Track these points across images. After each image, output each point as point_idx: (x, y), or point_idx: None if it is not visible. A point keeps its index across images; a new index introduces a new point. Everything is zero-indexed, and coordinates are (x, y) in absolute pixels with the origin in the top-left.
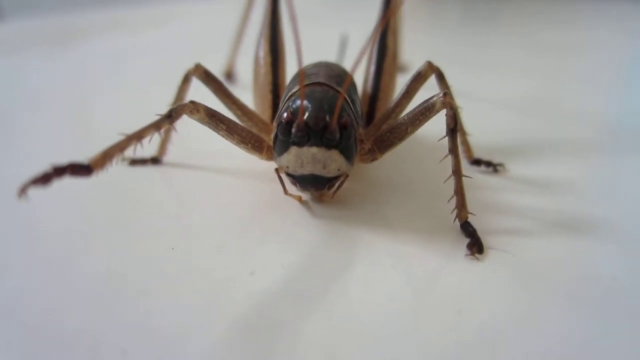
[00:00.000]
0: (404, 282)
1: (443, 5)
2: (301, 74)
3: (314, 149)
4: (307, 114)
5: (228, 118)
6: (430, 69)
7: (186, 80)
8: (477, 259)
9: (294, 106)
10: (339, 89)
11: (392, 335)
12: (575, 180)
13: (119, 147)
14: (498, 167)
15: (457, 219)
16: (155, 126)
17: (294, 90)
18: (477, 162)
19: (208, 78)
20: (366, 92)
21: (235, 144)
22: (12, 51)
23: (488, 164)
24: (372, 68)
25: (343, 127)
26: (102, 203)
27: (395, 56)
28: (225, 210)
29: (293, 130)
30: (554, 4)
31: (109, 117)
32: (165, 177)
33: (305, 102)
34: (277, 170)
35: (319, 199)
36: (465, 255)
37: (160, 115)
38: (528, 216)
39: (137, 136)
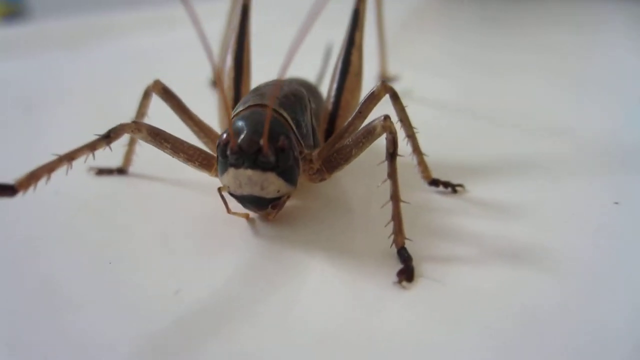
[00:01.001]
0: (323, 306)
1: (459, 6)
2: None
3: (249, 172)
4: (241, 137)
5: (174, 137)
6: (384, 89)
7: (146, 95)
8: (404, 287)
9: (232, 128)
10: (282, 111)
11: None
12: (534, 205)
13: (47, 168)
14: (457, 188)
15: (393, 245)
16: (91, 147)
17: (238, 110)
18: (435, 182)
19: (166, 94)
20: (327, 109)
21: (183, 162)
22: (42, 48)
23: (446, 184)
24: (334, 85)
25: (280, 150)
26: (55, 213)
27: (359, 73)
28: (171, 224)
29: (228, 152)
30: (574, 6)
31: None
32: (125, 187)
33: (241, 124)
34: (219, 189)
35: (264, 218)
36: (393, 282)
37: (97, 135)
38: (473, 243)
39: (69, 157)
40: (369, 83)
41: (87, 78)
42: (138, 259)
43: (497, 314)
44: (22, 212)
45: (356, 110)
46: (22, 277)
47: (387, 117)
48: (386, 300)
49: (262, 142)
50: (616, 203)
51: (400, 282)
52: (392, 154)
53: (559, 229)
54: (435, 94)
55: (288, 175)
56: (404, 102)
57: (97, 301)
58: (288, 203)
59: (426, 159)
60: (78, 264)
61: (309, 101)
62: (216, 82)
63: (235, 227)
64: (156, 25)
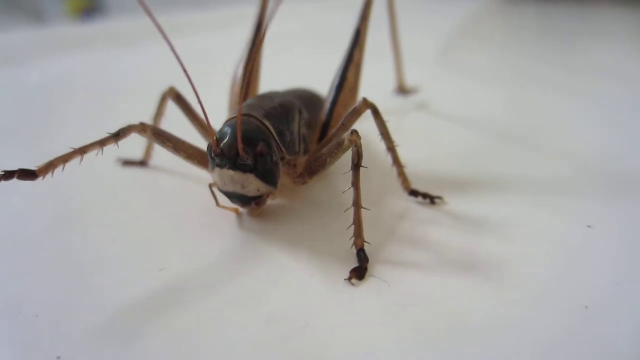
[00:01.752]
0: (273, 297)
1: (519, 14)
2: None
3: (231, 172)
4: (223, 142)
5: (175, 137)
6: (365, 106)
7: (163, 100)
8: (352, 284)
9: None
10: (265, 121)
11: (243, 345)
12: (506, 221)
13: (63, 159)
14: (436, 200)
15: (353, 246)
16: (100, 143)
17: (228, 118)
18: (414, 193)
19: (178, 100)
20: (321, 119)
21: (184, 159)
22: (118, 43)
23: (425, 195)
24: (330, 98)
25: (259, 155)
26: (81, 194)
27: (353, 89)
28: (171, 213)
29: (212, 154)
30: None
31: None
32: (143, 177)
33: (225, 130)
34: (210, 185)
35: (251, 213)
36: (344, 279)
37: (109, 133)
38: (432, 251)
39: (81, 150)
40: (386, 94)
41: (152, 74)
42: (137, 240)
43: (430, 317)
44: (54, 191)
45: (340, 123)
46: (46, 246)
47: (354, 132)
48: (334, 294)
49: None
50: (589, 226)
51: (350, 279)
52: (356, 164)
53: (522, 245)
54: (461, 104)
55: (267, 177)
56: (422, 112)
57: (95, 270)
58: (275, 202)
59: (414, 169)
60: (89, 239)
61: (300, 112)
62: (231, 89)
63: (225, 219)
64: (223, 25)
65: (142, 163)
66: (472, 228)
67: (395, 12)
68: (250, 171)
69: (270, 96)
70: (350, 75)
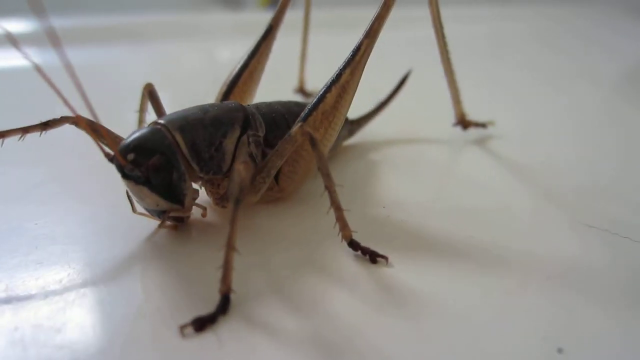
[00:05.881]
0: None
1: None
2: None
3: (125, 181)
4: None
5: (112, 133)
6: (301, 134)
7: (144, 95)
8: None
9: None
10: (175, 133)
11: None
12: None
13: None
14: (379, 259)
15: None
16: (23, 130)
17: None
18: (353, 245)
19: (150, 96)
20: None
21: None
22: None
23: (365, 251)
24: (299, 117)
25: (152, 167)
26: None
27: (327, 112)
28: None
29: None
30: None
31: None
32: None
33: (128, 137)
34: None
35: (161, 225)
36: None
37: (40, 122)
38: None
39: (1, 134)
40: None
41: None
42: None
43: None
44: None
45: (275, 148)
46: None
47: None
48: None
49: (127, 157)
50: (548, 278)
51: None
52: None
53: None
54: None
55: (164, 192)
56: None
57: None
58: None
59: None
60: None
61: (245, 129)
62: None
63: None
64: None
65: None
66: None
67: (444, 35)
68: (143, 184)
69: (205, 109)
70: (329, 96)
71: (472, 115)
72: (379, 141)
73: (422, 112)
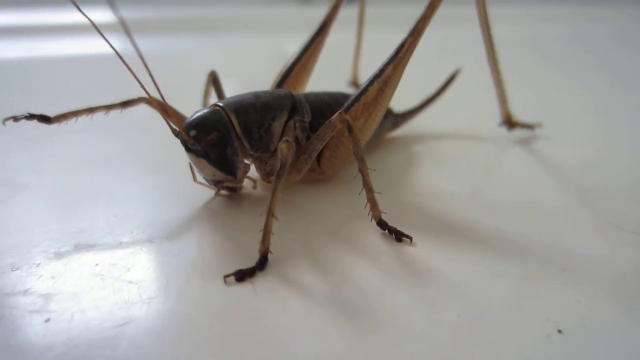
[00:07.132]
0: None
1: None
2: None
3: (188, 154)
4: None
5: (178, 112)
6: (340, 120)
7: (209, 81)
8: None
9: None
10: (231, 114)
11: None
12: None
13: (73, 114)
14: (404, 239)
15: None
16: (107, 107)
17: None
18: (381, 224)
19: (214, 82)
20: None
21: None
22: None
23: (391, 230)
24: (343, 107)
25: (210, 143)
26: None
27: (369, 103)
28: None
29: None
30: None
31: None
32: None
33: (191, 116)
34: (189, 163)
35: (217, 194)
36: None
37: (120, 101)
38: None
39: (89, 110)
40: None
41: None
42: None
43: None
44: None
45: (317, 132)
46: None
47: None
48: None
49: (190, 133)
50: (564, 270)
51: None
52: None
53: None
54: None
55: (220, 165)
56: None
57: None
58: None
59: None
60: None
61: (292, 115)
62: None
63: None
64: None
65: None
66: (409, 274)
67: (490, 35)
68: (203, 156)
69: (258, 95)
70: (372, 89)
71: (524, 116)
72: (423, 135)
73: (469, 110)
